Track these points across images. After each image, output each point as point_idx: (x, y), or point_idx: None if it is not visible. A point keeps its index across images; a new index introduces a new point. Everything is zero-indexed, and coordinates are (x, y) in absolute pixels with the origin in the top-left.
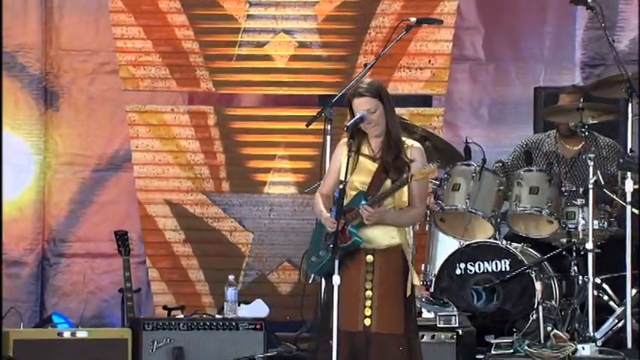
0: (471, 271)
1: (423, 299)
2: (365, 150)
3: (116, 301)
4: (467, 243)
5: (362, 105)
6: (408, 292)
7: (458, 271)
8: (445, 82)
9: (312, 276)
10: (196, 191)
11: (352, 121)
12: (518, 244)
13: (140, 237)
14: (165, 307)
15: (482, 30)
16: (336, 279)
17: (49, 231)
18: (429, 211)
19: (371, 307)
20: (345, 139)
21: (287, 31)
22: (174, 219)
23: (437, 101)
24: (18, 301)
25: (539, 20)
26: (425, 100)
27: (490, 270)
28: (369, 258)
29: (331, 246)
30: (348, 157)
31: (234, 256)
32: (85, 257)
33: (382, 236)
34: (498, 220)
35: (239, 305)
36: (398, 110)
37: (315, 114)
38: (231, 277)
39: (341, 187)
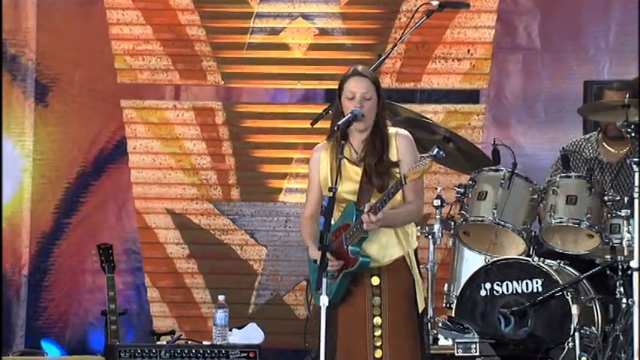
0: (497, 292)
1: (440, 323)
2: (346, 152)
3: (102, 323)
4: (493, 260)
5: (359, 86)
6: (421, 307)
7: (483, 292)
8: (487, 75)
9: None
10: (202, 199)
11: (344, 119)
12: (554, 262)
13: (133, 251)
14: (152, 332)
15: (537, 15)
16: (323, 299)
17: (36, 244)
18: (452, 223)
19: (381, 336)
20: (320, 145)
21: (305, 16)
22: (176, 231)
23: (485, 97)
24: (4, 324)
25: (604, 3)
26: (471, 96)
27: (520, 291)
28: (375, 280)
29: (318, 262)
30: (339, 160)
31: (244, 273)
32: (69, 274)
33: (385, 251)
34: (532, 233)
35: (230, 330)
36: (432, 107)
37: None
38: (221, 298)
39: (330, 194)
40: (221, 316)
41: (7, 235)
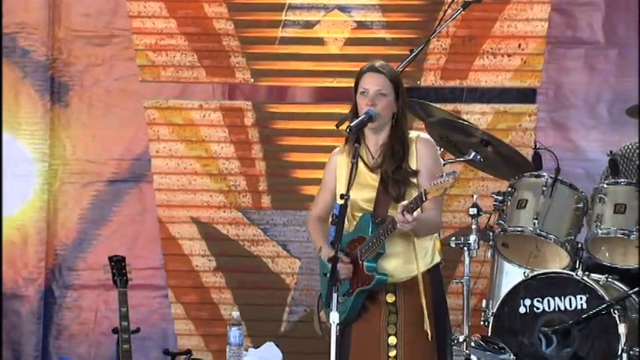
0: (538, 309)
1: (473, 343)
2: (363, 156)
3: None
4: (533, 274)
5: (373, 83)
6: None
7: (522, 309)
8: (539, 72)
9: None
10: (230, 207)
11: (358, 120)
12: (601, 276)
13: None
14: (166, 352)
15: (601, 6)
16: (334, 316)
17: (54, 256)
18: (490, 234)
19: (396, 356)
20: (338, 148)
21: (342, 8)
22: (202, 242)
23: (542, 96)
24: (16, 343)
25: None
26: (526, 95)
27: (563, 308)
28: (390, 297)
29: (328, 275)
30: (352, 164)
31: (276, 288)
32: (98, 290)
33: (402, 267)
34: (579, 245)
35: (246, 350)
36: (479, 107)
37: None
38: (235, 314)
39: (342, 202)
40: (235, 334)
41: (18, 247)
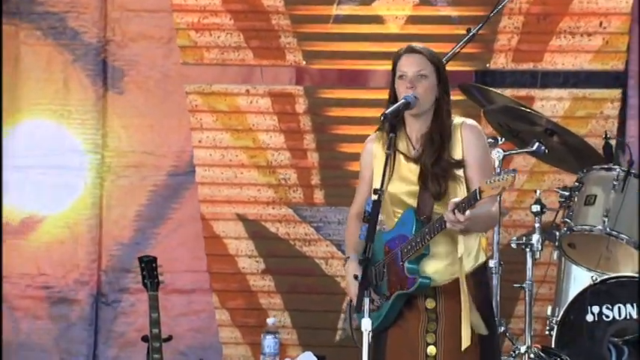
0: (607, 316)
1: (532, 354)
2: (401, 145)
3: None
4: (603, 278)
5: (412, 64)
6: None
7: (589, 317)
8: (623, 54)
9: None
10: (280, 203)
11: (394, 107)
12: None
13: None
14: None
15: None
16: (365, 323)
17: (108, 257)
18: (557, 233)
19: None
20: (372, 136)
21: None
22: (249, 241)
23: (633, 80)
24: (64, 352)
25: None
26: (610, 78)
27: (635, 316)
28: (430, 303)
29: (359, 278)
30: (387, 156)
31: (330, 292)
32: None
33: (445, 269)
34: None
35: None
36: (555, 92)
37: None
38: (270, 321)
39: (375, 197)
40: (270, 343)
41: (67, 247)
